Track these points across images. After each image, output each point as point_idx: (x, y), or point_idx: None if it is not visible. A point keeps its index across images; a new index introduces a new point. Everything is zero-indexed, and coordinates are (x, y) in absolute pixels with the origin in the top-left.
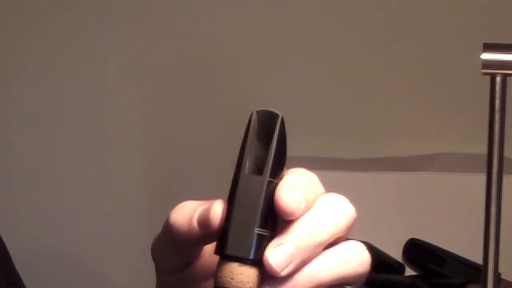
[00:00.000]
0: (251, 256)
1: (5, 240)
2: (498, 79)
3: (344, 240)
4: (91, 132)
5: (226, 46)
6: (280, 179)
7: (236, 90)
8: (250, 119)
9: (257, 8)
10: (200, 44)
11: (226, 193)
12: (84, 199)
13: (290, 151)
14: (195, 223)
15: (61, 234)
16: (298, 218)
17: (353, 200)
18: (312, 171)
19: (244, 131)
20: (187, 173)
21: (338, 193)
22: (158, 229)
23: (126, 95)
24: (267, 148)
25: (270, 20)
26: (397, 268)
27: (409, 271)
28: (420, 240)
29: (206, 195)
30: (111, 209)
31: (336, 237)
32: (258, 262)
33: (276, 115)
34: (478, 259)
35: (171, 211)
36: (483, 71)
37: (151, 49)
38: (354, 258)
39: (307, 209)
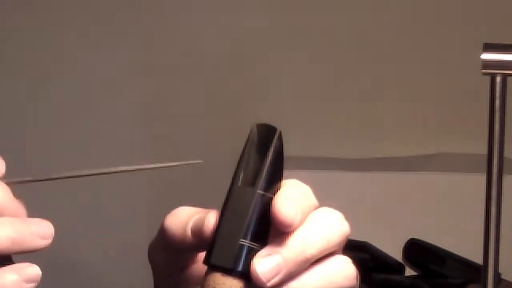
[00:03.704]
0: (236, 267)
1: None
2: (498, 79)
3: (332, 255)
4: (92, 133)
5: (227, 45)
6: (275, 193)
7: (237, 90)
8: (250, 132)
9: (258, 7)
10: (202, 45)
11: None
12: (85, 200)
13: (291, 151)
14: (189, 231)
15: (62, 234)
16: (292, 231)
17: (353, 200)
18: (312, 171)
19: (244, 143)
20: (188, 174)
21: (338, 193)
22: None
23: (127, 95)
24: (262, 161)
25: (270, 20)
26: (397, 268)
27: (409, 271)
28: (420, 240)
29: (207, 197)
30: (112, 210)
31: (327, 253)
32: (243, 274)
33: (274, 130)
34: (478, 259)
35: (166, 215)
36: (483, 71)
37: (153, 49)
38: (339, 274)
39: (302, 221)
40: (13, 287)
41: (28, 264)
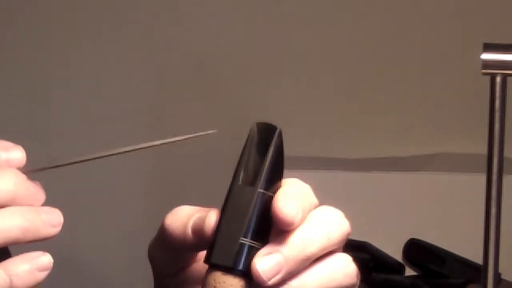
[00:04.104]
0: (236, 266)
1: None
2: (498, 79)
3: (333, 253)
4: (92, 133)
5: (227, 47)
6: (275, 192)
7: (237, 91)
8: (250, 130)
9: (258, 9)
10: (203, 47)
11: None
12: (84, 199)
13: (291, 151)
14: (189, 230)
15: (62, 234)
16: (292, 229)
17: (353, 200)
18: (312, 171)
19: (244, 142)
20: (188, 173)
21: (338, 193)
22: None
23: (128, 96)
24: (262, 160)
25: (271, 21)
26: (397, 268)
27: (409, 271)
28: (420, 240)
29: (208, 198)
30: (112, 209)
31: (327, 251)
32: (244, 273)
33: (274, 128)
34: (478, 259)
35: (166, 214)
36: (483, 71)
37: (155, 52)
38: (340, 271)
39: (303, 220)
40: (27, 276)
41: (40, 252)
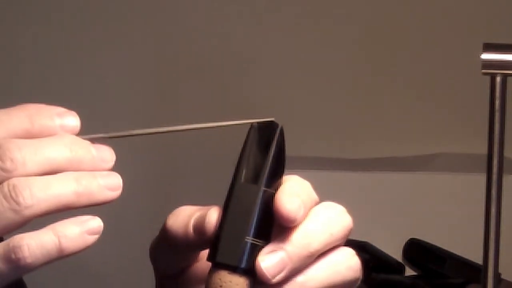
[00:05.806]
0: (241, 265)
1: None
2: (498, 79)
3: (336, 248)
4: (90, 132)
5: (229, 47)
6: (276, 189)
7: (237, 91)
8: (250, 128)
9: (261, 9)
10: (205, 46)
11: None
12: None
13: (290, 151)
14: (191, 229)
15: None
16: (294, 226)
17: (353, 200)
18: (312, 171)
19: (244, 139)
20: (188, 173)
21: (338, 193)
22: (158, 231)
23: (127, 95)
24: (265, 157)
25: (272, 21)
26: (397, 268)
27: (409, 271)
28: (420, 240)
29: (207, 197)
30: (112, 209)
31: (331, 246)
32: (249, 271)
33: (276, 125)
34: (478, 259)
35: (168, 215)
36: (483, 71)
37: (153, 49)
38: (343, 265)
39: (305, 216)
40: (76, 238)
41: (90, 216)
